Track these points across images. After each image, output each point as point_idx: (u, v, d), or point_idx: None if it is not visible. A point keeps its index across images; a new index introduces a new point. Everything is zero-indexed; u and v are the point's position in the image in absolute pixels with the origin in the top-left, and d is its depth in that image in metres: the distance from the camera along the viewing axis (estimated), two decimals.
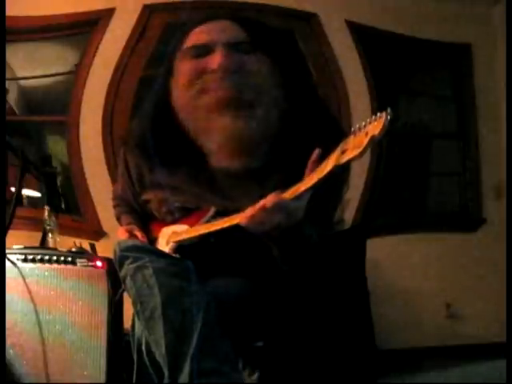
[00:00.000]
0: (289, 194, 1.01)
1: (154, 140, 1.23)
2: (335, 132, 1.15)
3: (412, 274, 3.33)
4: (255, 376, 1.27)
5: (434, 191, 3.89)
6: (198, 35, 1.18)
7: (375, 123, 0.87)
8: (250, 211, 1.01)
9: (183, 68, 1.18)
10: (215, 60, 1.12)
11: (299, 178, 1.01)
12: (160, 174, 1.25)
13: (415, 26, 3.53)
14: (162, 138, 1.22)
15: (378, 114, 0.88)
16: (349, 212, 3.14)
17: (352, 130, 0.93)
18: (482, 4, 3.66)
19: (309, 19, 3.38)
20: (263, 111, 1.14)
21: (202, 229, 1.14)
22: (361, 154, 0.88)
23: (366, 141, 0.87)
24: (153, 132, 1.23)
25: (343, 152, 0.92)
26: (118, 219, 1.45)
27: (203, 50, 1.15)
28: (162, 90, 1.23)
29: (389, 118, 0.86)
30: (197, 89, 1.15)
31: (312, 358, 1.33)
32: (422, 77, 3.86)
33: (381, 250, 3.17)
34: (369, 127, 0.88)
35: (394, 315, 3.16)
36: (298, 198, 1.00)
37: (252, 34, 1.16)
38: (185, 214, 1.22)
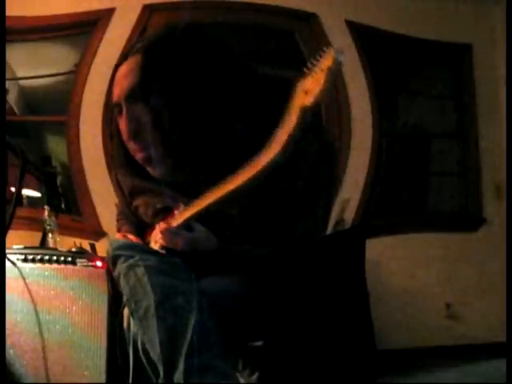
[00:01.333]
0: (175, 220, 1.14)
1: (126, 161, 1.30)
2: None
3: (412, 274, 3.33)
4: (255, 376, 1.27)
5: (434, 191, 3.89)
6: (114, 87, 1.24)
7: (325, 57, 0.88)
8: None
9: (118, 124, 1.26)
10: (123, 126, 1.22)
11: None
12: (140, 182, 1.31)
13: (415, 25, 3.53)
14: (131, 160, 1.29)
15: (325, 49, 0.89)
16: (349, 212, 3.14)
17: (304, 70, 0.91)
18: (482, 4, 3.66)
19: (309, 19, 3.38)
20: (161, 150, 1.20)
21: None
22: (324, 90, 0.88)
23: (324, 75, 0.87)
24: (125, 155, 1.29)
25: (306, 93, 0.91)
26: (119, 231, 1.47)
27: (118, 109, 1.23)
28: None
29: (337, 50, 0.87)
30: (130, 148, 1.26)
31: (312, 358, 1.33)
32: (422, 77, 3.86)
33: (381, 250, 3.17)
34: (321, 63, 0.89)
35: (394, 315, 3.16)
36: (184, 224, 1.13)
37: (145, 75, 1.17)
38: (165, 214, 1.25)
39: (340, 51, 0.87)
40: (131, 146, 1.24)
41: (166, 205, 1.25)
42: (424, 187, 3.89)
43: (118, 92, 1.22)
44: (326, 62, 0.88)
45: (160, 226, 1.19)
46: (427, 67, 3.81)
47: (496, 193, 3.55)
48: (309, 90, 0.90)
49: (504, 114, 3.51)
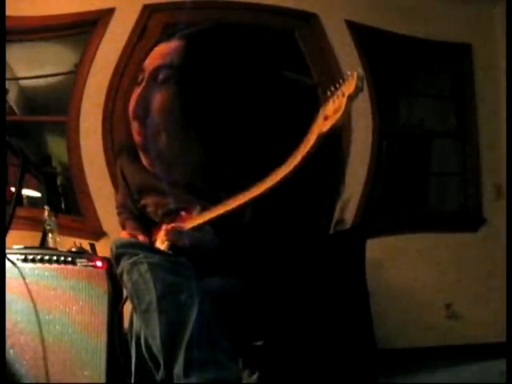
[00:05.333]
0: (191, 223, 1.15)
1: (135, 151, 1.29)
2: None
3: (412, 274, 3.33)
4: (255, 376, 1.27)
5: (434, 191, 3.89)
6: (149, 57, 1.25)
7: (348, 82, 0.90)
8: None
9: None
10: (132, 102, 1.22)
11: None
12: (152, 179, 1.30)
13: (415, 26, 3.53)
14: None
15: (348, 73, 0.91)
16: (349, 212, 3.14)
17: (328, 94, 0.94)
18: (482, 4, 3.66)
19: (309, 19, 3.38)
20: (166, 142, 1.21)
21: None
22: (342, 117, 0.90)
23: (344, 101, 0.89)
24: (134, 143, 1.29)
25: (326, 118, 0.93)
26: (123, 226, 1.47)
27: (140, 78, 1.25)
28: None
29: (360, 73, 0.89)
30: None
31: (312, 358, 1.33)
32: (422, 77, 3.86)
33: (381, 250, 3.17)
34: (344, 87, 0.91)
35: (393, 315, 3.16)
36: (197, 228, 1.14)
37: (185, 58, 1.19)
38: (178, 214, 1.25)
39: (362, 77, 0.90)
40: (133, 124, 1.23)
41: (179, 206, 1.25)
42: (424, 187, 3.88)
43: (148, 64, 1.23)
44: (348, 87, 0.90)
45: (167, 226, 1.19)
46: (427, 67, 3.81)
47: (496, 193, 3.54)
48: (328, 115, 0.93)
49: (504, 114, 3.51)
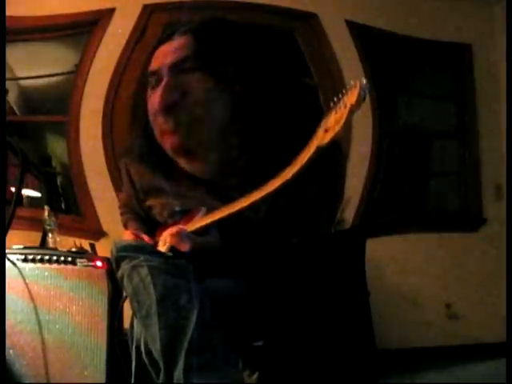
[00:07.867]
0: (192, 225, 1.13)
1: (148, 150, 1.28)
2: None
3: (412, 274, 3.33)
4: (255, 376, 1.28)
5: (434, 191, 3.89)
6: (154, 59, 1.22)
7: (350, 92, 0.88)
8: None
9: (148, 98, 1.23)
10: (157, 97, 1.17)
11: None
12: (160, 180, 1.29)
13: (415, 26, 3.53)
14: (155, 149, 1.26)
15: (352, 83, 0.88)
16: (349, 212, 3.14)
17: (331, 105, 0.92)
18: (482, 4, 3.67)
19: (309, 19, 3.38)
20: (208, 133, 1.17)
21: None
22: (343, 129, 0.88)
23: (346, 113, 0.87)
24: (148, 143, 1.27)
25: (326, 131, 0.92)
26: (125, 226, 1.47)
27: (155, 79, 1.20)
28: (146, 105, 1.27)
29: (364, 83, 0.86)
30: (157, 129, 1.22)
31: (312, 358, 1.33)
32: (422, 77, 3.86)
33: (381, 250, 3.16)
34: (346, 98, 0.89)
35: (394, 315, 3.16)
36: (200, 230, 1.12)
37: (202, 48, 1.17)
38: (182, 216, 1.25)
39: (366, 87, 0.87)
40: (160, 122, 1.18)
41: (185, 208, 1.24)
42: (424, 187, 3.88)
43: (160, 62, 1.19)
44: (350, 97, 0.88)
45: (171, 229, 1.18)
46: (427, 67, 3.81)
47: (496, 193, 3.54)
48: (329, 128, 0.91)
49: (504, 114, 3.51)
